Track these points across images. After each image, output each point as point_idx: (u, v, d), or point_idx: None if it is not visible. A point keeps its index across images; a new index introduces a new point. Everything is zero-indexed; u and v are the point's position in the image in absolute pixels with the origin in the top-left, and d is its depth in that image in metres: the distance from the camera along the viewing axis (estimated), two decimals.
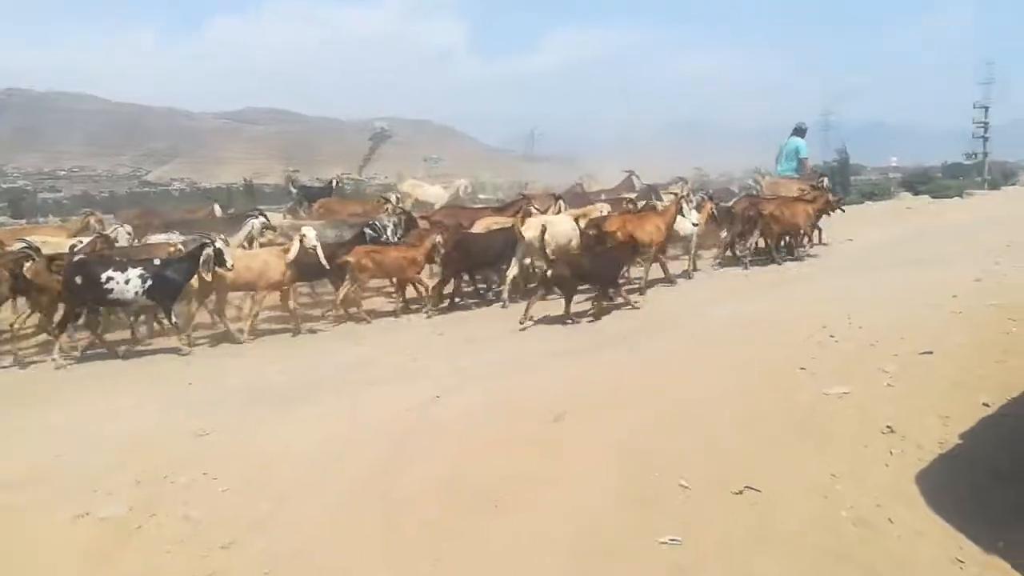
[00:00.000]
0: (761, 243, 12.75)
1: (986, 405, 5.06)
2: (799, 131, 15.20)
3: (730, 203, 12.84)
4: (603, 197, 14.33)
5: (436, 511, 4.55)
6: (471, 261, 10.59)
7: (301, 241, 9.27)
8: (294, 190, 17.10)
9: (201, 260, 8.73)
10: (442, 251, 10.10)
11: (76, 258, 8.93)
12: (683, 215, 11.48)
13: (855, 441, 4.91)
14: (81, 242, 10.33)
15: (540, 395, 6.14)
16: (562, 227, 10.75)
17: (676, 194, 12.26)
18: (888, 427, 4.96)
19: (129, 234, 11.07)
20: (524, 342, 8.63)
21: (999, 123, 62.96)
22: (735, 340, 7.41)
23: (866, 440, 4.90)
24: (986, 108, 61.97)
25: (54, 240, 10.74)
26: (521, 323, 9.05)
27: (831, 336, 6.93)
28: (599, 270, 9.41)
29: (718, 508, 4.43)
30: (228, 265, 8.77)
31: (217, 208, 14.77)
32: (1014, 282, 8.46)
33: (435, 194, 15.68)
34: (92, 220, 12.43)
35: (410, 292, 10.81)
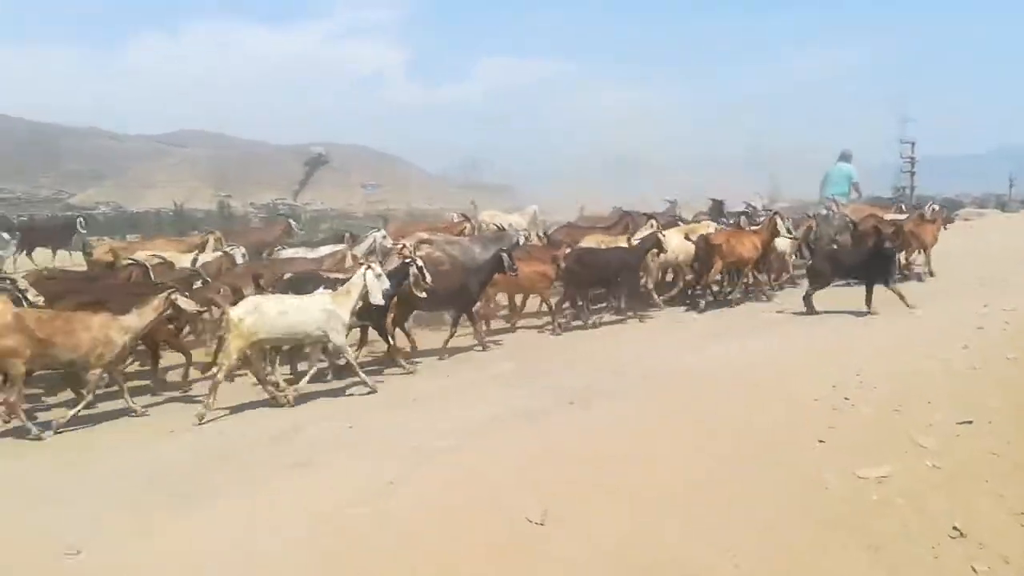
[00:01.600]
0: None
1: None
2: (845, 157, 15.42)
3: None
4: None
5: None
6: (594, 277, 10.66)
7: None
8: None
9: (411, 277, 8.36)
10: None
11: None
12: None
13: (918, 549, 3.89)
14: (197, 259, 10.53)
15: (513, 480, 4.95)
16: (676, 241, 11.33)
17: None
18: (956, 529, 3.97)
19: (244, 256, 10.85)
20: (478, 399, 7.38)
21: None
22: (730, 400, 6.37)
23: (932, 547, 3.88)
24: (912, 144, 64.52)
25: (170, 255, 10.69)
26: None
27: (845, 398, 5.98)
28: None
29: None
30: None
31: (294, 224, 15.30)
32: (1018, 328, 7.77)
33: (514, 222, 15.58)
34: (212, 239, 12.24)
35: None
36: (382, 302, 7.74)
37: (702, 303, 11.14)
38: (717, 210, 15.06)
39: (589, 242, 11.57)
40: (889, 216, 13.78)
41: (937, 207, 14.35)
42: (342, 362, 7.98)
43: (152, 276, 9.05)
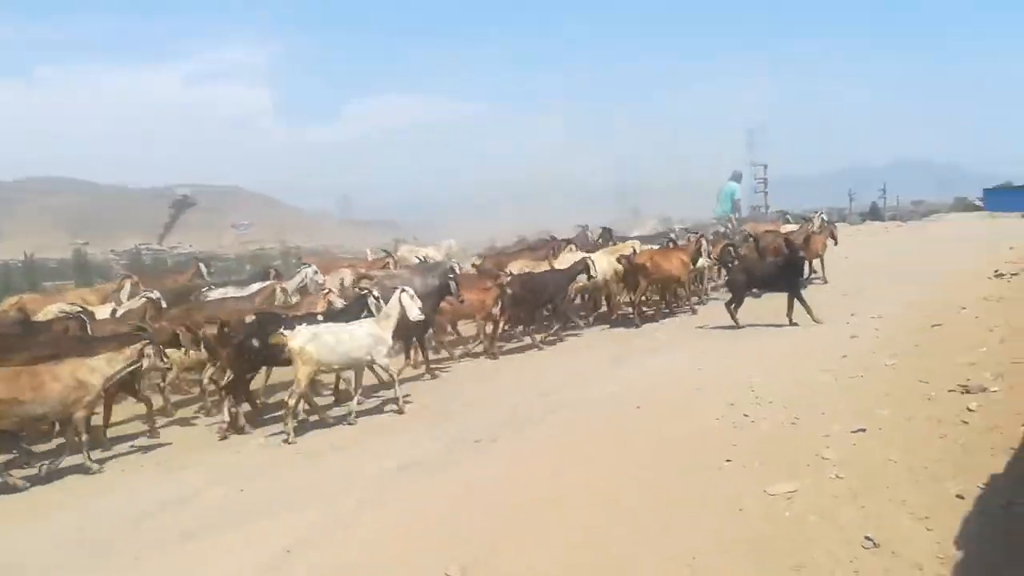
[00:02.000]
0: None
1: (960, 497, 4.27)
2: (735, 177, 16.98)
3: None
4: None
5: None
6: (537, 300, 11.06)
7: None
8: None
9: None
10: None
11: None
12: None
13: (838, 566, 3.87)
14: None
15: (427, 536, 4.63)
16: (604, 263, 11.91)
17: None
18: (869, 539, 4.00)
19: (160, 300, 10.50)
20: (363, 451, 6.96)
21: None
22: (634, 426, 6.33)
23: (851, 562, 3.88)
24: (765, 166, 69.75)
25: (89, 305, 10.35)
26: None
27: (744, 415, 6.07)
28: None
29: None
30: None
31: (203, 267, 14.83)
32: (887, 335, 8.23)
33: (430, 255, 15.91)
34: (128, 283, 12.09)
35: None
36: (421, 317, 8.37)
37: (637, 320, 11.63)
38: (607, 236, 15.90)
39: (516, 267, 12.02)
40: (785, 229, 14.61)
41: (825, 218, 15.40)
42: (386, 377, 8.41)
43: (89, 328, 8.54)
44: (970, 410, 5.34)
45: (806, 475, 4.87)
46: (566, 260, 12.19)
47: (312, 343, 7.49)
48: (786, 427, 5.72)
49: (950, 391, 5.80)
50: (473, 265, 13.57)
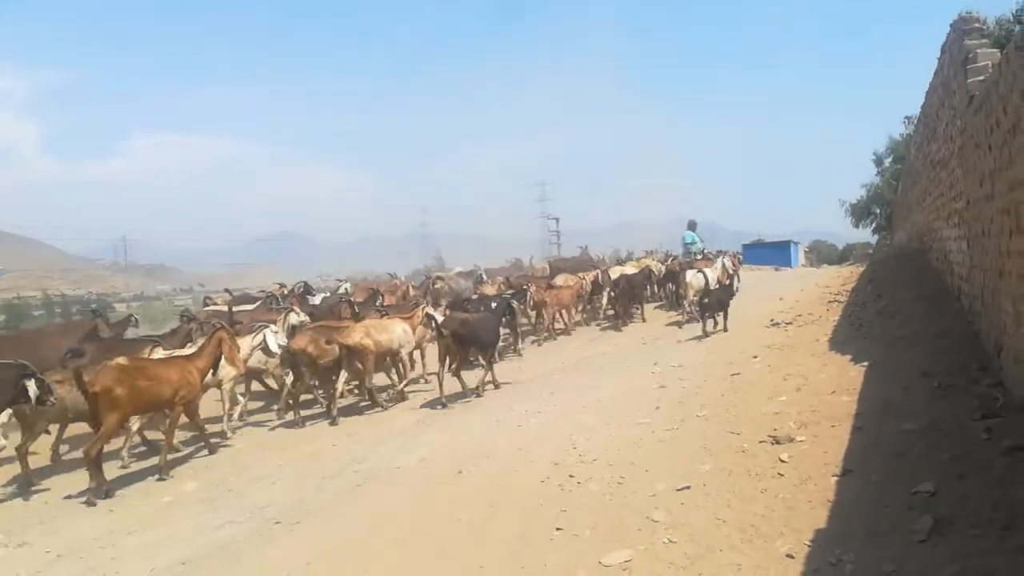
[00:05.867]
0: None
1: (790, 556, 4.21)
2: (691, 226, 18.62)
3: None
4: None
5: None
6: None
7: None
8: None
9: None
10: None
11: None
12: None
13: None
14: None
15: None
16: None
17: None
18: None
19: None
20: (162, 536, 5.90)
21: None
22: (456, 494, 5.83)
23: None
24: (557, 219, 74.48)
25: None
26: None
27: (570, 476, 5.79)
28: None
29: None
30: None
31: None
32: (693, 384, 8.44)
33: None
34: None
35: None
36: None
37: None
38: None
39: None
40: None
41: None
42: None
43: None
44: (783, 461, 5.45)
45: (639, 541, 4.64)
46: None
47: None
48: (613, 487, 5.51)
49: (761, 442, 5.92)
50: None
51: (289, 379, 10.19)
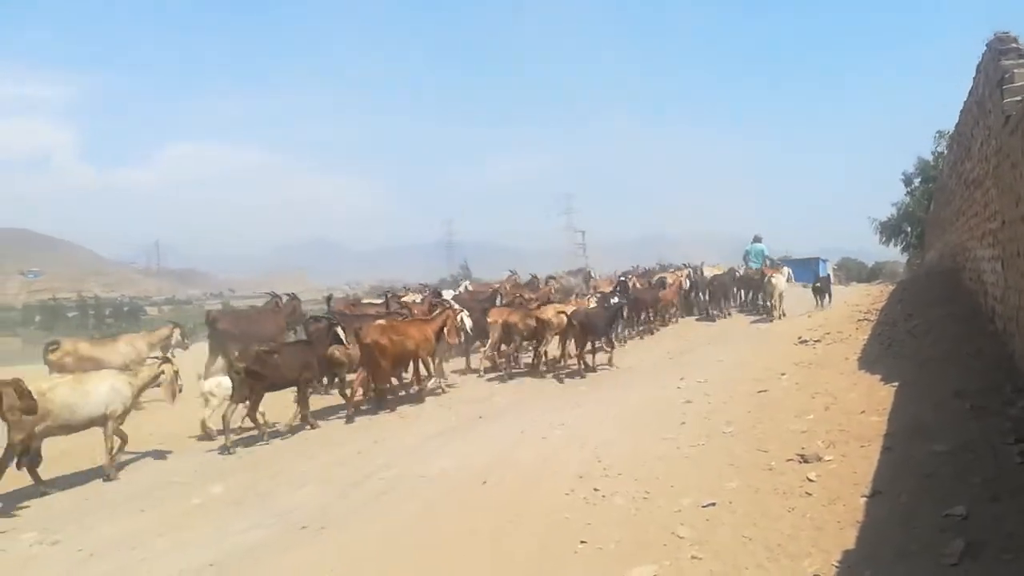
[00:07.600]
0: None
1: None
2: (758, 239, 20.36)
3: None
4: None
5: None
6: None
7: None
8: None
9: None
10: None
11: None
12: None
13: None
14: None
15: None
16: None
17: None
18: None
19: None
20: (185, 537, 5.99)
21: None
22: (480, 503, 5.86)
23: None
24: (583, 232, 74.89)
25: None
26: None
27: (595, 489, 5.80)
28: None
29: None
30: None
31: None
32: (719, 400, 8.40)
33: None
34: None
35: None
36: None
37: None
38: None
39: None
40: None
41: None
42: None
43: None
44: (811, 480, 5.40)
45: (664, 556, 4.63)
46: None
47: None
48: (638, 502, 5.50)
49: (788, 460, 5.88)
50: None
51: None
